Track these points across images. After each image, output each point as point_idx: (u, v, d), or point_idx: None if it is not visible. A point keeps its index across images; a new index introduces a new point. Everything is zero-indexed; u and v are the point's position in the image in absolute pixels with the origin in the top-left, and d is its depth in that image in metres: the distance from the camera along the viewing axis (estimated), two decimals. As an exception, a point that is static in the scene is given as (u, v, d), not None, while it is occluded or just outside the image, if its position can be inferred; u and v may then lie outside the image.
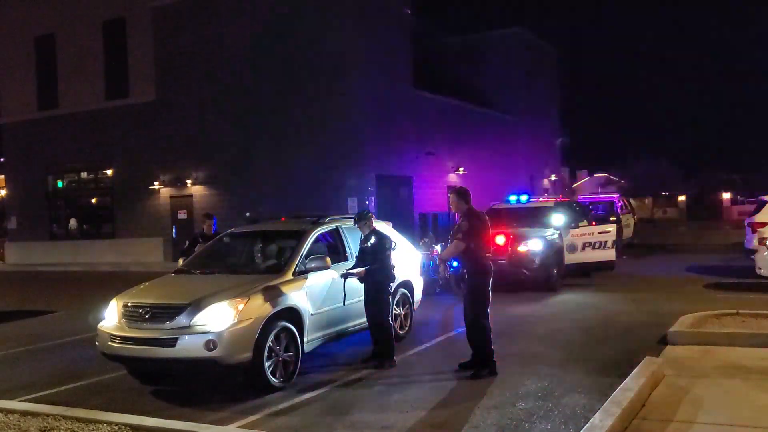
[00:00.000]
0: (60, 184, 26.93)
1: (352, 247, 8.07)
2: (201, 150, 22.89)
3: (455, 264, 7.55)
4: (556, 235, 13.05)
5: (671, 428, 5.04)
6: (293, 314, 6.92)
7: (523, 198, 14.91)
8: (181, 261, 8.79)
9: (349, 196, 20.40)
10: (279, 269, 7.30)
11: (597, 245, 13.70)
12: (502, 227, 12.36)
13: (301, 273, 7.24)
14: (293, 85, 21.26)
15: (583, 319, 9.81)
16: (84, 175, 26.67)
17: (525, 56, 32.65)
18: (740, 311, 8.60)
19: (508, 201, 15.07)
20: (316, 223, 8.10)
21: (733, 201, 49.36)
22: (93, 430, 5.39)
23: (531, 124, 32.68)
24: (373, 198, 20.77)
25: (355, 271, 7.48)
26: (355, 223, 7.72)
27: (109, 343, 6.64)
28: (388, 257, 7.46)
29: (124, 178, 24.78)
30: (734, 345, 7.33)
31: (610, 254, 13.83)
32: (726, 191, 50.50)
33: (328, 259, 7.43)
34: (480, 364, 6.86)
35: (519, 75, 32.03)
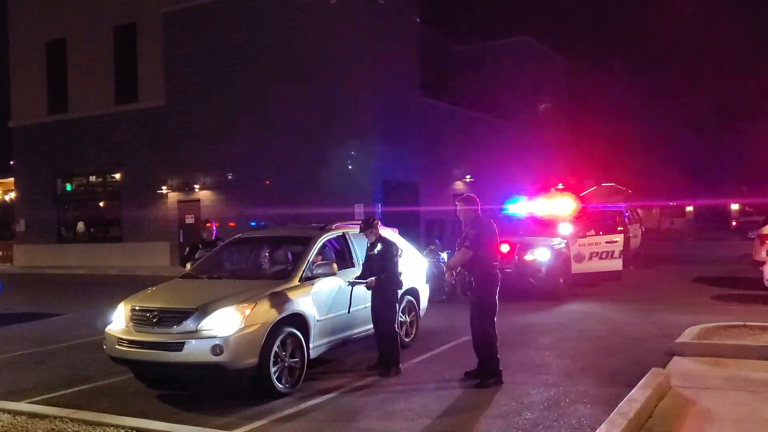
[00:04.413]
0: (69, 187, 27.10)
1: (359, 253, 8.08)
2: (209, 155, 22.99)
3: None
4: (563, 244, 13.03)
5: (677, 440, 5.03)
6: (299, 320, 6.93)
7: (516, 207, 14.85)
8: (188, 266, 8.82)
9: (355, 202, 20.43)
10: (286, 275, 7.33)
11: (604, 255, 13.66)
12: (509, 235, 12.35)
13: (308, 279, 7.26)
14: (301, 91, 21.32)
15: (589, 329, 9.78)
16: (93, 178, 26.84)
17: (533, 65, 32.65)
18: (748, 323, 8.56)
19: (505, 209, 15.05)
20: (323, 230, 8.11)
21: (742, 212, 49.07)
22: (99, 433, 5.42)
23: (538, 133, 32.65)
24: (379, 204, 20.79)
25: (363, 281, 7.47)
26: (360, 230, 7.72)
27: (117, 347, 6.67)
28: (396, 264, 7.47)
29: (132, 182, 24.92)
30: (741, 357, 7.30)
31: (617, 264, 13.79)
32: (734, 202, 50.18)
33: (335, 266, 7.44)
34: (486, 373, 6.85)
35: (527, 84, 32.03)
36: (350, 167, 20.53)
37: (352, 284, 7.53)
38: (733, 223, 35.78)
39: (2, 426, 5.66)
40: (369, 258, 7.57)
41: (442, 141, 24.78)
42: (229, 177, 22.64)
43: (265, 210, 20.34)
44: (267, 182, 21.63)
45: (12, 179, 29.34)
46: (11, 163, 28.95)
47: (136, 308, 6.77)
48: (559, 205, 14.34)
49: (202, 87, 23.06)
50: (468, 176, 26.01)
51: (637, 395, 5.63)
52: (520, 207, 15.08)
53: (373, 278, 7.38)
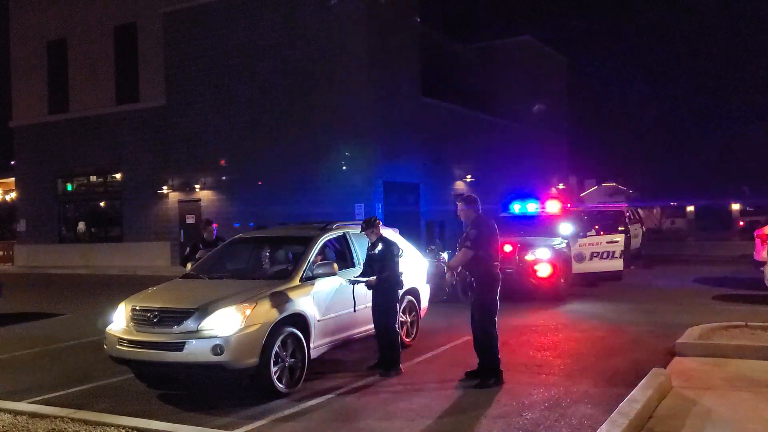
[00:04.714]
0: (69, 187, 27.11)
1: (360, 253, 8.09)
2: (210, 155, 23.01)
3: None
4: (563, 245, 13.02)
5: (678, 440, 5.02)
6: (300, 320, 6.93)
7: (531, 207, 14.89)
8: (189, 266, 8.82)
9: (356, 202, 20.44)
10: (286, 275, 7.33)
11: (605, 255, 13.66)
12: (510, 236, 12.34)
13: (309, 279, 7.26)
14: (302, 91, 21.35)
15: (590, 330, 9.78)
16: (93, 178, 26.85)
17: (534, 65, 32.66)
18: (749, 323, 8.55)
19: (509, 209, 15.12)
20: (324, 230, 8.12)
21: (742, 212, 49.10)
22: (100, 433, 5.42)
23: (539, 133, 32.66)
24: (380, 204, 20.80)
25: (365, 279, 7.47)
26: (362, 229, 7.73)
27: (117, 347, 6.66)
28: (396, 264, 7.47)
29: (133, 181, 24.92)
30: (743, 357, 7.29)
31: (617, 264, 13.79)
32: (735, 202, 50.17)
33: (336, 266, 7.44)
34: (486, 373, 6.84)
35: (527, 83, 32.03)
36: (351, 167, 20.54)
37: (353, 282, 7.53)
38: (741, 223, 36.00)
39: (3, 426, 5.66)
40: (370, 258, 7.57)
41: (442, 141, 24.78)
42: (227, 178, 22.63)
43: (265, 210, 20.35)
44: (260, 183, 21.64)
45: (13, 179, 29.34)
46: (12, 163, 28.96)
47: (137, 308, 6.77)
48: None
49: (202, 87, 23.07)
50: (469, 176, 26.02)
51: (638, 395, 5.62)
52: (518, 207, 15.12)
53: (374, 277, 7.37)
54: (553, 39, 35.53)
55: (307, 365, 6.92)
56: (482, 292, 6.87)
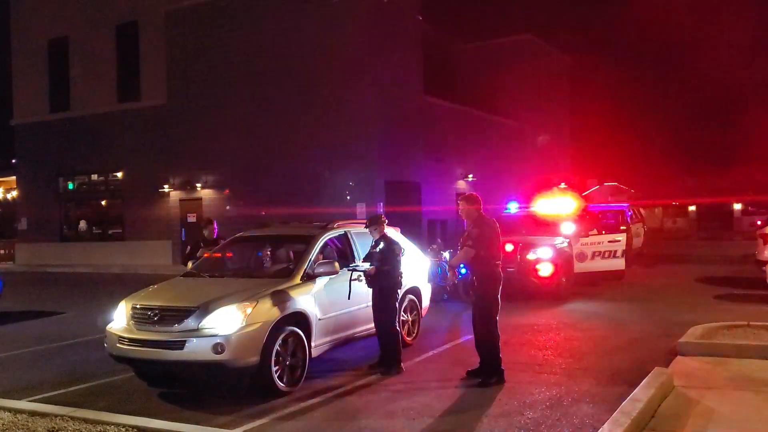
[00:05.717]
0: (71, 186, 27.11)
1: (361, 252, 8.06)
2: (211, 154, 22.99)
3: (463, 270, 7.54)
4: (565, 244, 13.00)
5: (681, 440, 5.00)
6: (301, 319, 6.92)
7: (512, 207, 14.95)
8: (189, 265, 8.81)
9: (357, 201, 20.41)
10: (287, 273, 7.31)
11: (607, 254, 13.63)
12: (512, 235, 12.32)
13: (310, 278, 7.24)
14: (304, 89, 21.32)
15: (591, 329, 9.75)
16: (95, 177, 26.84)
17: (536, 64, 32.57)
18: (751, 323, 8.51)
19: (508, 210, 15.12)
20: (325, 228, 8.10)
21: (744, 212, 49.02)
22: (100, 431, 5.41)
23: (542, 132, 32.61)
24: (381, 204, 20.77)
25: (364, 267, 7.40)
26: (366, 226, 7.72)
27: (118, 345, 6.65)
28: (398, 263, 7.44)
29: (134, 180, 24.92)
30: (745, 357, 7.26)
31: (619, 264, 13.76)
32: (737, 201, 50.06)
33: (337, 264, 7.42)
34: (488, 372, 6.83)
35: (530, 82, 31.97)
36: (352, 166, 20.51)
37: (351, 270, 7.48)
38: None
39: (3, 424, 5.65)
40: (370, 255, 7.54)
41: (444, 140, 24.74)
42: (227, 177, 22.57)
43: (266, 209, 20.31)
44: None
45: (14, 177, 29.35)
46: (13, 161, 28.97)
47: (138, 306, 6.76)
48: (561, 205, 14.39)
49: (204, 85, 23.05)
50: (470, 175, 25.98)
51: (640, 395, 5.60)
52: (522, 206, 15.11)
53: (373, 266, 7.32)
54: (556, 37, 35.40)
55: (308, 364, 6.90)
56: (484, 291, 6.85)
